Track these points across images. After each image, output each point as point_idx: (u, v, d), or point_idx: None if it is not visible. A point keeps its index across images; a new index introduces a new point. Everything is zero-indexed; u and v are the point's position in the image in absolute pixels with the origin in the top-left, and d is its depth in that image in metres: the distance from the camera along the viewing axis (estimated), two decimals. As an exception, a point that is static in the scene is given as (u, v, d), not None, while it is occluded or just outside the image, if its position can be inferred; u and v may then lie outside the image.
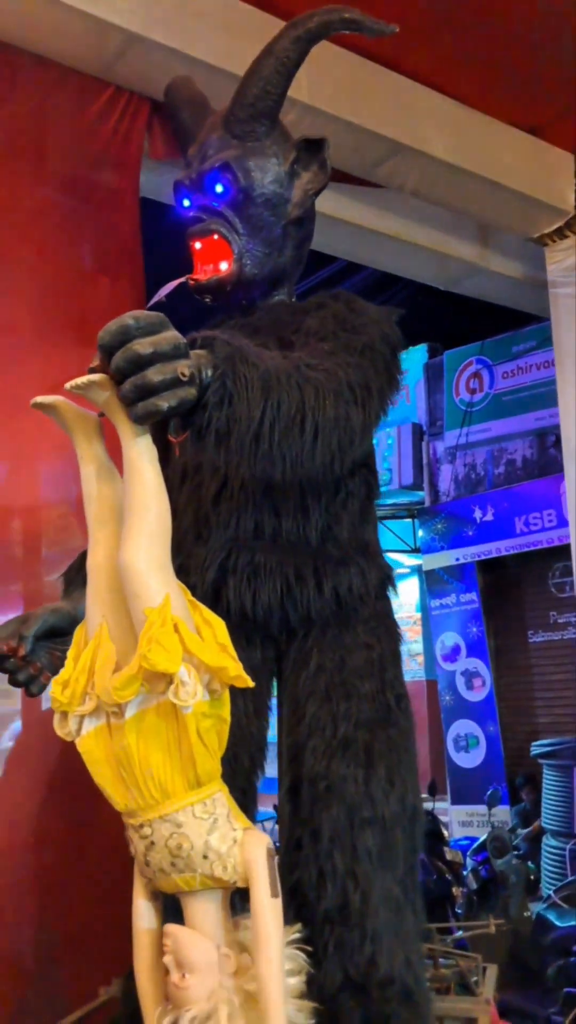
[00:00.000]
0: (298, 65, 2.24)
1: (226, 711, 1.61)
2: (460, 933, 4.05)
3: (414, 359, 9.63)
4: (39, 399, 1.72)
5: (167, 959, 1.50)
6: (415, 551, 10.32)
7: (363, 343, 2.02)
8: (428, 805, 5.69)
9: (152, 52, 2.87)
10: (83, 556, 2.15)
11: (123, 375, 1.46)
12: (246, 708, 2.04)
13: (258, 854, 1.53)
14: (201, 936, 1.52)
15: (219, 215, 2.22)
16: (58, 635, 1.93)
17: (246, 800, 2.03)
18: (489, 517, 8.39)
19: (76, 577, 2.11)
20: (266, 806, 2.82)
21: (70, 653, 1.65)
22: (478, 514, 8.48)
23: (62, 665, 1.91)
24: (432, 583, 8.84)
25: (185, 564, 2.06)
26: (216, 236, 2.21)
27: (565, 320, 4.06)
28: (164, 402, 1.45)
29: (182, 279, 2.14)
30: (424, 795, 6.44)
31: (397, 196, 3.72)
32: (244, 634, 2.06)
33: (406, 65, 3.32)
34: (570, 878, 5.85)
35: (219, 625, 1.62)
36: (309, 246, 2.45)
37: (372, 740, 1.95)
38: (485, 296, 4.36)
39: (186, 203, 2.28)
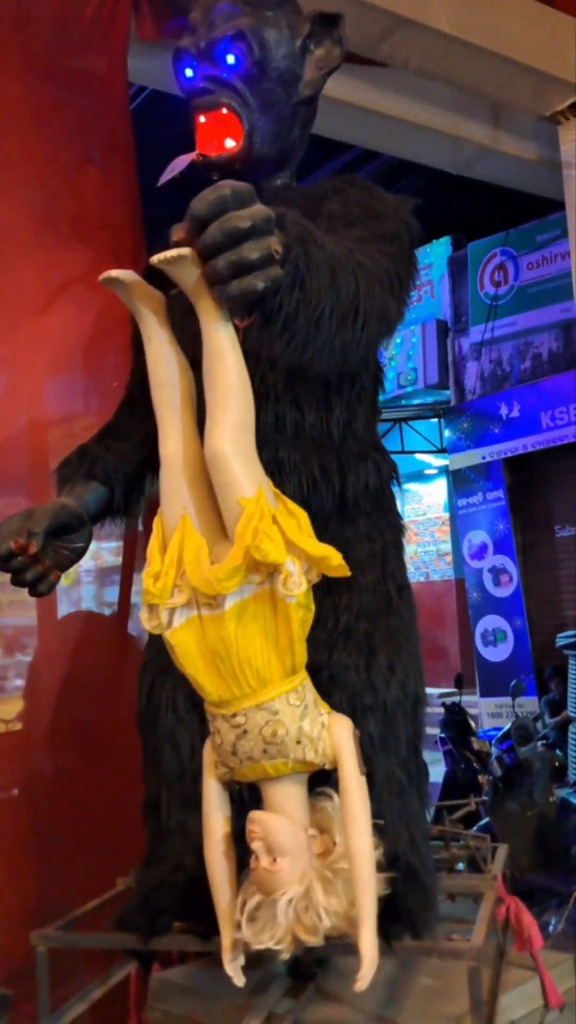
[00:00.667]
0: None
1: (312, 600, 1.62)
2: (486, 819, 4.18)
3: (438, 252, 9.40)
4: (110, 273, 1.63)
5: (256, 845, 1.53)
6: (442, 451, 10.26)
7: (389, 231, 1.95)
8: (456, 698, 5.79)
9: None
10: (81, 450, 2.12)
11: (217, 249, 1.36)
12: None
13: (345, 736, 1.59)
14: (288, 820, 1.56)
15: (229, 87, 2.08)
16: (65, 532, 1.91)
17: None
18: (515, 414, 8.30)
19: (75, 472, 2.09)
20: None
21: (153, 545, 1.62)
22: (504, 411, 8.39)
23: (68, 564, 1.93)
24: (459, 483, 8.81)
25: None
26: (225, 110, 2.07)
27: (581, 203, 3.93)
28: (259, 281, 1.37)
29: (192, 155, 2.04)
30: (452, 689, 6.57)
31: (405, 76, 3.57)
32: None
33: None
34: (594, 764, 6.00)
35: (303, 517, 1.62)
36: (311, 127, 2.35)
37: (373, 629, 1.96)
38: (499, 180, 4.22)
39: (189, 73, 2.13)
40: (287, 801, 1.58)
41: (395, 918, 1.76)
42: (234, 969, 1.58)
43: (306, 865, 1.54)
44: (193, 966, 2.19)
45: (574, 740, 6.18)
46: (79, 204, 2.79)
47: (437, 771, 4.90)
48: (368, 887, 1.52)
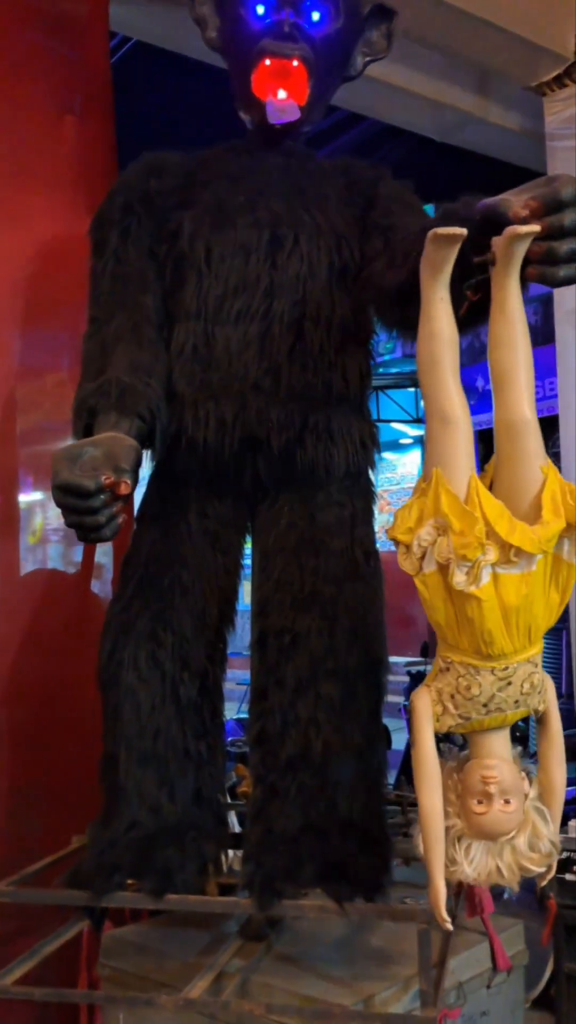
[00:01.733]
0: None
1: None
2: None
3: (420, 222, 9.33)
4: (451, 229, 1.56)
5: (492, 789, 1.62)
6: (417, 421, 10.27)
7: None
8: (421, 667, 5.83)
9: None
10: (117, 382, 1.89)
11: (562, 235, 1.47)
12: (215, 564, 2.08)
13: (551, 684, 1.72)
14: (512, 763, 1.67)
15: (311, 42, 2.06)
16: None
17: (215, 653, 2.08)
18: (491, 387, 8.30)
19: (116, 405, 1.86)
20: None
21: (448, 503, 1.59)
22: (480, 383, 8.23)
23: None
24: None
25: (243, 415, 2.00)
26: (296, 61, 2.04)
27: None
28: None
29: (282, 100, 2.06)
30: (419, 658, 6.63)
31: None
32: (214, 491, 2.08)
33: None
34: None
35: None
36: None
37: (338, 594, 1.98)
38: (483, 149, 4.19)
39: (260, 10, 2.09)
40: (507, 747, 1.68)
41: (348, 880, 1.80)
42: (446, 915, 1.63)
43: (523, 804, 1.65)
44: (145, 924, 2.21)
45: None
46: (56, 153, 2.74)
47: (400, 738, 4.95)
48: (560, 813, 1.70)
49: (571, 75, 3.81)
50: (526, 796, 1.66)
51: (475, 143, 4.26)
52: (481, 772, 1.64)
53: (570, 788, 3.88)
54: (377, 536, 2.14)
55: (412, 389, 10.60)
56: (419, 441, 10.61)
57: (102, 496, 1.57)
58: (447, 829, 1.66)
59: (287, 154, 2.19)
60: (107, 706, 2.05)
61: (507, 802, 1.63)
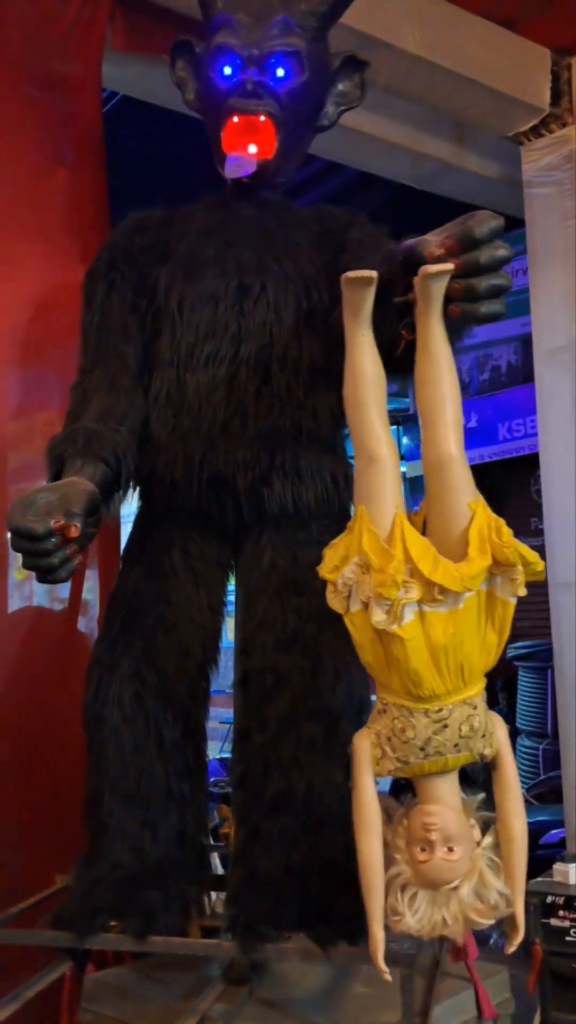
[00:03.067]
0: None
1: None
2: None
3: (401, 264, 9.48)
4: (362, 272, 1.66)
5: (434, 836, 1.58)
6: (400, 459, 10.36)
7: None
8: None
9: None
10: (82, 430, 1.98)
11: (482, 271, 1.51)
12: (199, 602, 2.09)
13: (503, 729, 1.68)
14: (458, 810, 1.63)
15: (275, 98, 2.14)
16: (90, 515, 1.78)
17: (197, 691, 2.09)
18: (473, 424, 8.36)
19: (82, 451, 1.96)
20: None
21: (369, 542, 1.60)
22: (475, 419, 8.45)
23: (84, 548, 1.81)
24: (416, 490, 8.80)
25: (210, 456, 2.04)
26: (263, 117, 2.13)
27: (540, 222, 3.97)
28: (501, 307, 1.54)
29: (251, 153, 2.12)
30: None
31: (371, 93, 3.58)
32: (197, 530, 2.10)
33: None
34: (541, 776, 6.06)
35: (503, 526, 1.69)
36: None
37: (319, 634, 1.99)
38: (461, 196, 4.26)
39: (228, 71, 2.17)
40: (454, 793, 1.65)
41: (331, 924, 1.80)
42: (384, 966, 1.61)
43: (472, 852, 1.61)
44: (127, 967, 2.21)
45: (521, 752, 6.27)
46: (48, 204, 2.81)
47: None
48: (522, 865, 1.63)
49: (547, 125, 3.92)
50: (478, 844, 1.62)
51: (454, 191, 4.33)
52: (423, 819, 1.61)
53: (555, 831, 3.87)
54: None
55: (393, 427, 10.67)
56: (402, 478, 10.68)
57: (53, 539, 1.66)
58: (394, 877, 1.62)
59: (260, 205, 2.26)
60: (91, 745, 2.06)
61: (450, 850, 1.58)
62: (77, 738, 2.09)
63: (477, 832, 1.64)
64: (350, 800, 1.94)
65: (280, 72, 2.15)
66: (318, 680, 1.97)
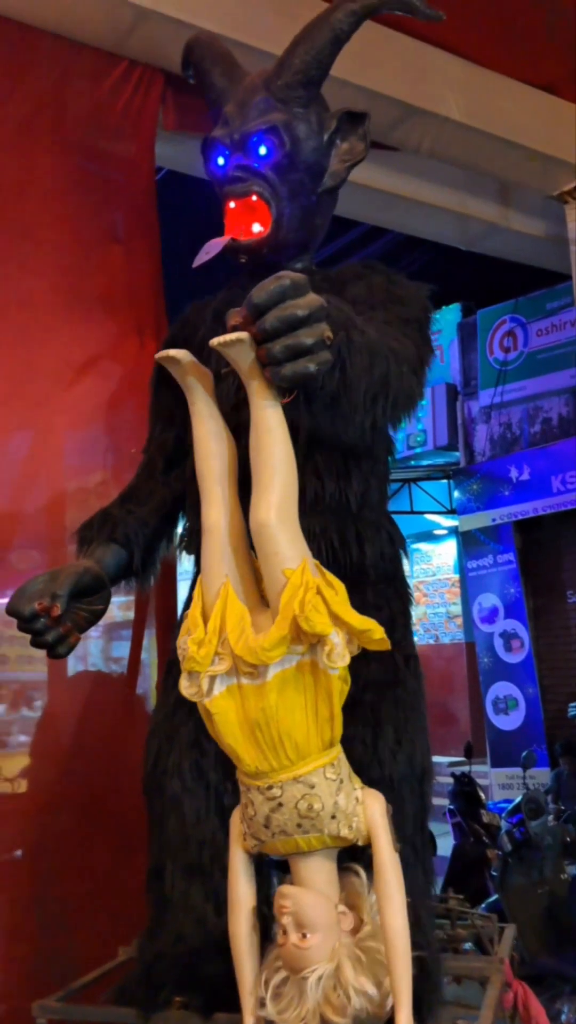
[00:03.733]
0: (348, 38, 2.23)
1: (348, 674, 1.63)
2: (495, 896, 4.09)
3: (447, 319, 9.55)
4: (169, 352, 1.73)
5: (285, 920, 1.53)
6: (451, 512, 10.30)
7: (412, 315, 2.07)
8: (465, 768, 5.72)
9: (164, 25, 2.89)
10: (103, 513, 2.19)
11: (275, 335, 1.48)
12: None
13: (379, 811, 1.59)
14: (320, 895, 1.56)
15: (261, 176, 2.20)
16: (86, 595, 1.95)
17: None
18: (525, 476, 8.35)
19: (97, 535, 2.14)
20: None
21: (194, 612, 1.64)
22: (514, 474, 8.43)
23: (87, 626, 1.95)
24: (469, 544, 8.82)
25: None
26: (255, 197, 2.19)
27: (586, 277, 4.02)
28: (312, 364, 1.48)
29: (226, 239, 2.16)
30: (461, 757, 6.49)
31: (414, 158, 3.70)
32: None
33: (416, 27, 3.28)
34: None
35: (341, 588, 1.65)
36: (331, 214, 2.47)
37: (379, 701, 1.98)
38: (507, 255, 4.33)
39: (220, 161, 2.26)
40: (318, 876, 1.58)
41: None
42: None
43: (336, 942, 1.52)
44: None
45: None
46: (104, 279, 2.91)
47: (445, 843, 4.82)
48: (404, 967, 1.52)
49: (590, 184, 3.97)
50: (354, 932, 1.53)
51: (499, 250, 4.39)
52: (277, 900, 1.55)
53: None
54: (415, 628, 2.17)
55: (444, 481, 10.66)
56: (453, 532, 10.61)
57: (41, 620, 1.82)
58: (273, 957, 1.57)
59: (257, 277, 2.30)
60: (152, 815, 2.05)
61: (304, 937, 1.50)
62: (138, 807, 2.09)
63: (349, 920, 1.55)
64: (415, 871, 1.93)
65: (263, 150, 2.20)
66: (379, 748, 1.95)
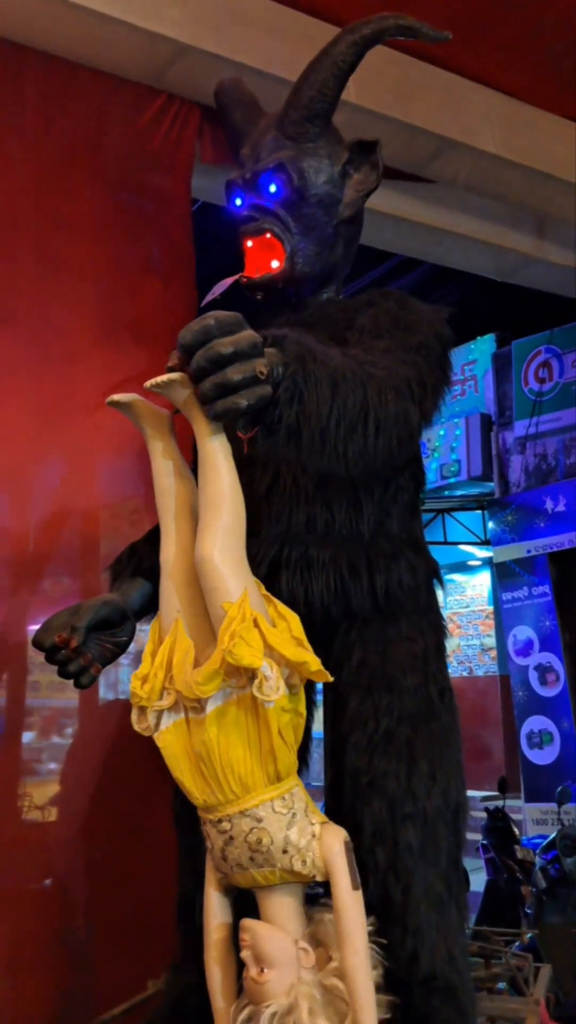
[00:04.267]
0: (353, 69, 2.27)
1: (302, 706, 1.64)
2: (529, 935, 4.02)
3: (482, 349, 9.56)
4: (115, 397, 1.77)
5: (245, 954, 1.53)
6: (485, 543, 10.24)
7: (418, 341, 2.04)
8: (499, 803, 5.64)
9: (201, 60, 2.94)
10: (131, 548, 2.22)
11: (203, 374, 1.49)
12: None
13: (336, 848, 1.56)
14: (279, 931, 1.55)
15: (272, 214, 2.25)
16: (109, 626, 1.96)
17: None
18: (561, 508, 8.29)
19: (124, 569, 2.17)
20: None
21: (147, 648, 1.68)
22: (549, 505, 8.37)
23: (112, 657, 1.98)
24: (503, 576, 8.75)
25: (277, 555, 2.08)
26: (268, 235, 2.24)
27: (625, 311, 3.99)
28: (243, 400, 1.49)
29: (235, 277, 2.18)
30: (495, 792, 6.40)
31: (450, 190, 3.72)
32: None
33: (452, 61, 3.31)
34: None
35: (294, 619, 1.66)
36: (357, 244, 2.48)
37: (414, 735, 1.96)
38: (543, 286, 4.32)
39: (238, 202, 2.32)
40: (280, 911, 1.57)
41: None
42: None
43: (294, 979, 1.50)
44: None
45: None
46: (139, 309, 2.95)
47: (478, 879, 4.74)
48: (365, 1009, 1.48)
49: (627, 216, 3.95)
50: (321, 968, 1.51)
51: (536, 281, 4.38)
52: (240, 934, 1.54)
53: None
54: (450, 661, 2.14)
55: (478, 512, 10.61)
56: (487, 563, 10.54)
57: (62, 651, 1.86)
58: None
59: (294, 309, 2.32)
60: (182, 846, 2.04)
61: (261, 971, 1.49)
62: (168, 838, 2.07)
63: (311, 957, 1.52)
64: (450, 908, 1.90)
65: (272, 188, 2.25)
66: (413, 783, 1.92)
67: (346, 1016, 1.49)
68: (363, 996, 1.48)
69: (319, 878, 1.56)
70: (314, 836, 1.57)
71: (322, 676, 1.60)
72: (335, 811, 1.98)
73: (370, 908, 1.85)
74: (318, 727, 2.12)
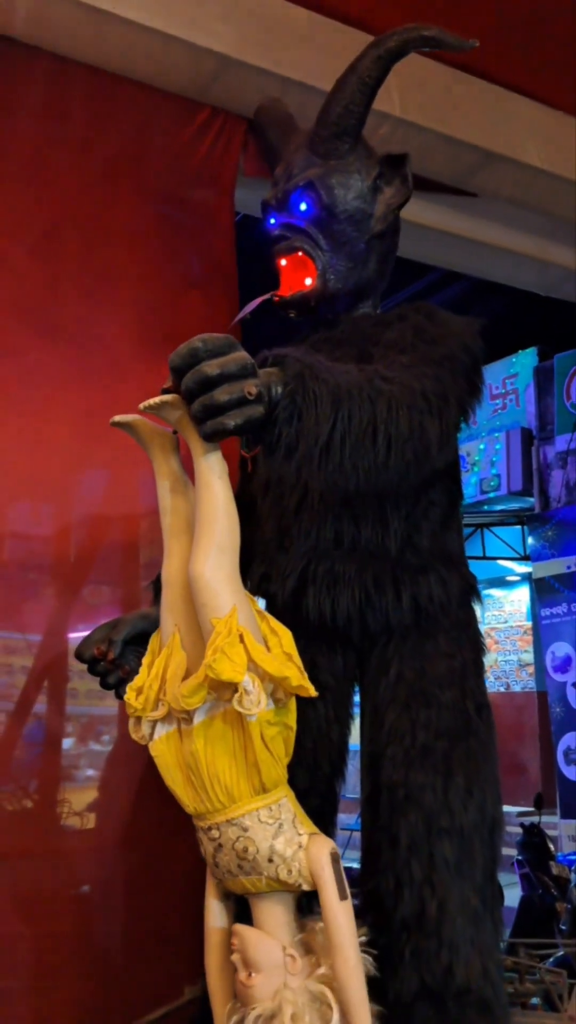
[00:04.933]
0: (380, 83, 2.27)
1: (292, 719, 1.67)
2: (562, 951, 3.97)
3: (523, 363, 9.49)
4: (117, 418, 1.81)
5: (235, 957, 1.56)
6: (524, 559, 10.15)
7: (441, 354, 2.03)
8: (535, 819, 5.57)
9: (246, 73, 2.96)
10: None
11: (192, 395, 1.53)
12: (327, 714, 2.09)
13: (322, 858, 1.57)
14: (267, 936, 1.58)
15: (303, 232, 2.28)
16: (146, 639, 1.98)
17: (326, 806, 2.07)
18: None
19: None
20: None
21: (144, 660, 1.75)
22: (587, 521, 8.28)
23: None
24: (542, 591, 8.64)
25: (268, 573, 2.13)
26: (300, 253, 2.27)
27: None
28: (231, 420, 1.51)
29: (266, 296, 2.22)
30: (531, 808, 6.33)
31: (493, 203, 3.70)
32: (325, 641, 2.11)
33: (495, 73, 3.30)
34: None
35: (286, 635, 1.68)
36: (394, 258, 2.48)
37: (451, 749, 1.96)
38: (587, 301, 4.29)
39: (272, 221, 2.35)
40: (269, 918, 1.60)
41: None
42: None
43: (280, 984, 1.53)
44: None
45: None
46: (181, 321, 2.95)
47: (513, 894, 4.69)
48: (359, 1018, 1.51)
49: None
50: (309, 975, 1.53)
51: (578, 295, 4.35)
52: (232, 938, 1.59)
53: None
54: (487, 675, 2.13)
55: (518, 527, 10.53)
56: (526, 578, 10.45)
57: (101, 663, 1.93)
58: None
59: (328, 325, 2.34)
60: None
61: (249, 975, 1.53)
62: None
63: (298, 964, 1.54)
64: (485, 922, 1.89)
65: (303, 206, 2.27)
66: (449, 797, 1.92)
67: (329, 1022, 1.51)
68: (357, 1006, 1.52)
69: (305, 887, 1.59)
70: (300, 847, 1.59)
71: (304, 691, 1.63)
72: (371, 824, 1.98)
73: (405, 921, 1.86)
74: (354, 740, 2.12)
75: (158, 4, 2.77)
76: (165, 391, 1.61)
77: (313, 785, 2.04)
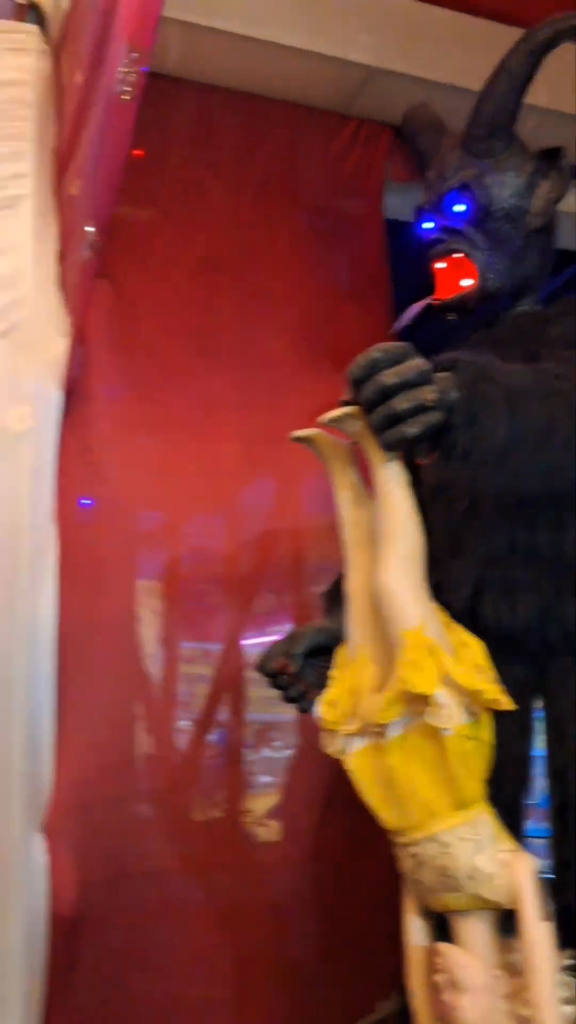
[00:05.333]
0: (531, 78, 2.24)
1: (487, 733, 1.65)
2: None
3: None
4: (298, 433, 1.84)
5: (440, 977, 1.55)
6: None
7: None
8: None
9: (391, 81, 2.96)
10: (340, 577, 2.28)
11: (371, 405, 1.54)
12: (509, 726, 2.06)
13: (525, 876, 1.55)
14: (472, 956, 1.56)
15: (459, 234, 2.26)
16: (324, 653, 2.01)
17: (511, 819, 2.04)
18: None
19: (336, 597, 2.18)
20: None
21: (333, 673, 1.76)
22: None
23: (328, 681, 2.05)
24: None
25: (440, 582, 2.10)
26: (458, 255, 2.26)
27: None
28: (411, 429, 1.52)
29: (426, 301, 2.22)
30: None
31: None
32: (503, 651, 2.08)
33: None
34: None
35: (477, 646, 1.68)
36: (553, 252, 2.44)
37: None
38: None
39: (427, 226, 2.33)
40: (472, 937, 1.57)
41: None
42: None
43: (489, 1006, 1.50)
44: None
45: None
46: (337, 334, 2.99)
47: None
48: None
49: None
50: (517, 997, 1.47)
51: None
52: (436, 957, 1.54)
53: None
54: None
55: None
56: None
57: (282, 676, 1.98)
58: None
59: (489, 325, 2.29)
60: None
61: (456, 996, 1.49)
62: (392, 858, 2.10)
63: (504, 986, 1.50)
64: None
65: (459, 208, 2.24)
66: None
67: None
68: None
69: (507, 905, 1.55)
70: (503, 864, 1.57)
71: (498, 704, 1.61)
72: (560, 837, 1.96)
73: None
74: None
75: (301, 23, 2.80)
76: (344, 403, 1.62)
77: (497, 798, 2.02)
